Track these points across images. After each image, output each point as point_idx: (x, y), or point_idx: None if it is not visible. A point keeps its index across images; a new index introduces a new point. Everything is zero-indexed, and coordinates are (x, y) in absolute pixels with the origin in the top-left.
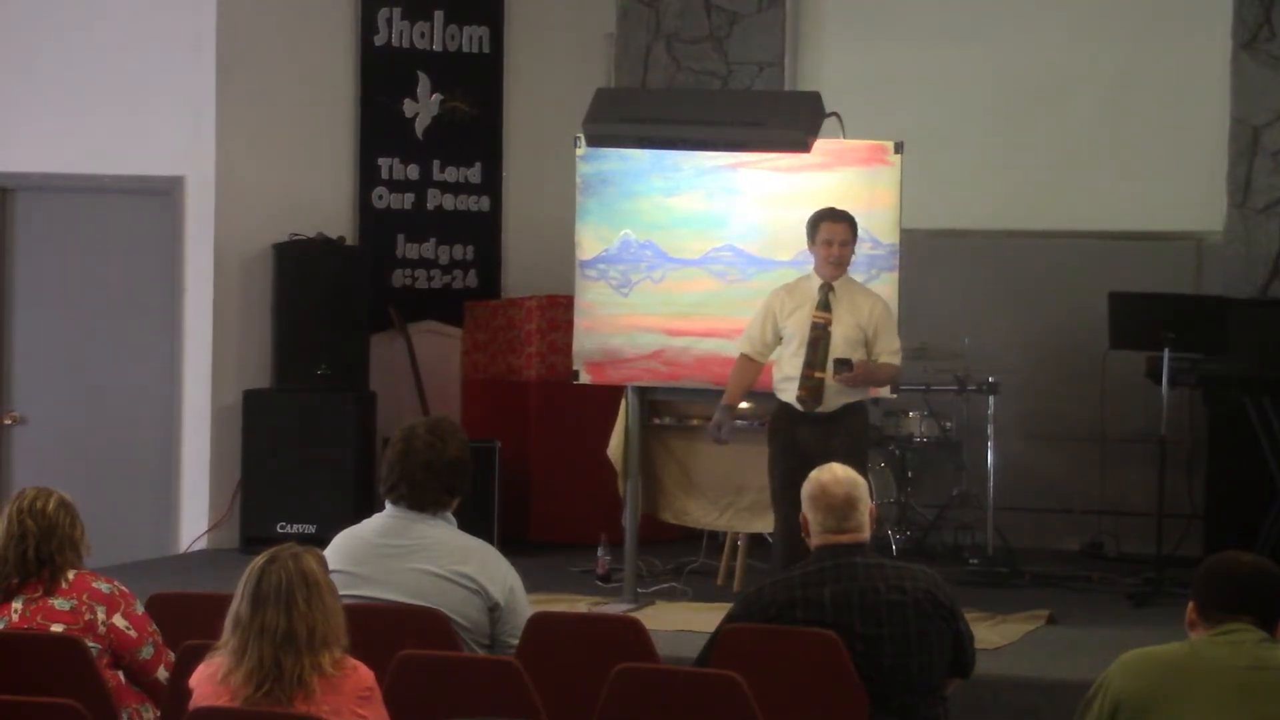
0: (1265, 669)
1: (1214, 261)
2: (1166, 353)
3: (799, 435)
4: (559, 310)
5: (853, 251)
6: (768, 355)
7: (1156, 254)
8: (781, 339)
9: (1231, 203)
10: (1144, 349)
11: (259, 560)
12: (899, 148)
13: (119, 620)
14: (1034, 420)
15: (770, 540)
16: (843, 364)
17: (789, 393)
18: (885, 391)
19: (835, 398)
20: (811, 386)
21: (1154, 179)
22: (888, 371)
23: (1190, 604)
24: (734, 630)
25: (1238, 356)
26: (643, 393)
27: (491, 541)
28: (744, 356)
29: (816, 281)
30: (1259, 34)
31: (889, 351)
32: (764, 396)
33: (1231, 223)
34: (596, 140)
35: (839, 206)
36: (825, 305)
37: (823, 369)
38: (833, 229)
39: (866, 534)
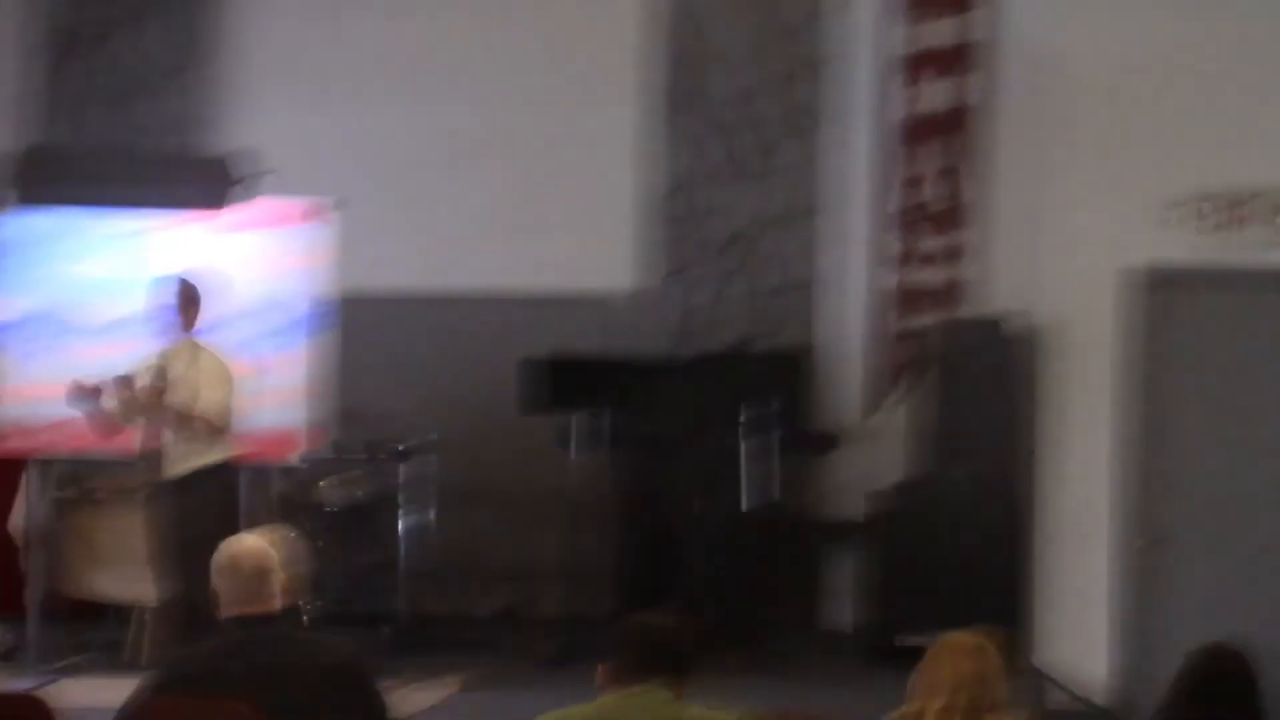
0: None
1: (623, 323)
2: (575, 416)
3: (158, 503)
4: None
5: (186, 312)
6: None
7: (565, 316)
8: None
9: (639, 266)
10: (553, 412)
11: None
12: (329, 207)
13: None
14: (447, 485)
15: None
16: (122, 381)
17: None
18: (298, 459)
19: (180, 463)
20: (149, 455)
21: (565, 241)
22: (194, 422)
23: (601, 666)
24: (145, 703)
25: (645, 417)
26: (46, 464)
27: None
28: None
29: (162, 348)
30: (669, 99)
31: (204, 405)
32: None
33: (640, 284)
34: None
35: (262, 268)
36: (162, 370)
37: (157, 435)
38: (160, 290)
39: (278, 605)
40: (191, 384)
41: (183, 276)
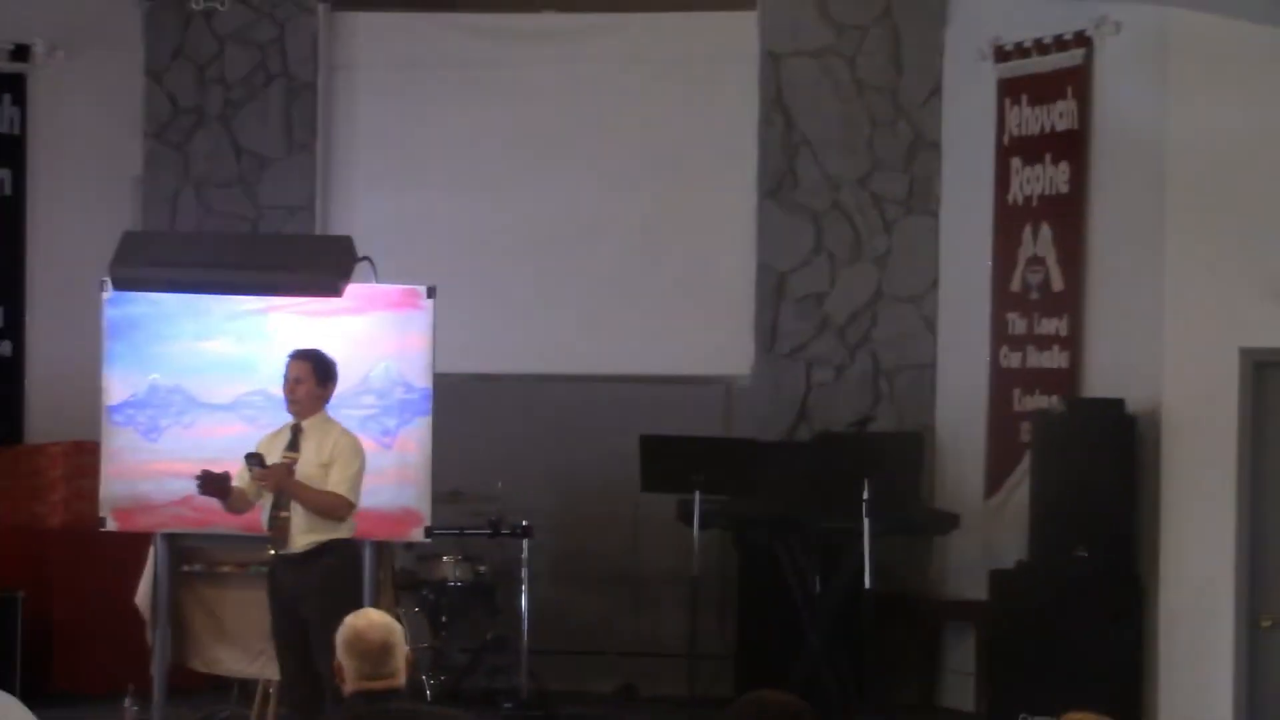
0: None
1: (742, 405)
2: (697, 495)
3: (280, 580)
4: (85, 456)
5: (318, 389)
6: (257, 497)
7: (687, 397)
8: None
9: (759, 347)
10: (675, 491)
11: None
12: (431, 292)
13: None
14: (567, 562)
15: None
16: (253, 459)
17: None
18: (419, 535)
19: (302, 536)
20: (276, 527)
21: (684, 324)
22: (326, 498)
23: None
24: None
25: (765, 498)
26: (172, 539)
27: (14, 693)
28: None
29: (290, 423)
30: (783, 182)
31: (336, 481)
32: None
33: (759, 367)
34: (123, 284)
35: (368, 350)
36: (293, 445)
37: (285, 509)
38: (290, 367)
39: (402, 680)
40: (324, 459)
41: (318, 352)
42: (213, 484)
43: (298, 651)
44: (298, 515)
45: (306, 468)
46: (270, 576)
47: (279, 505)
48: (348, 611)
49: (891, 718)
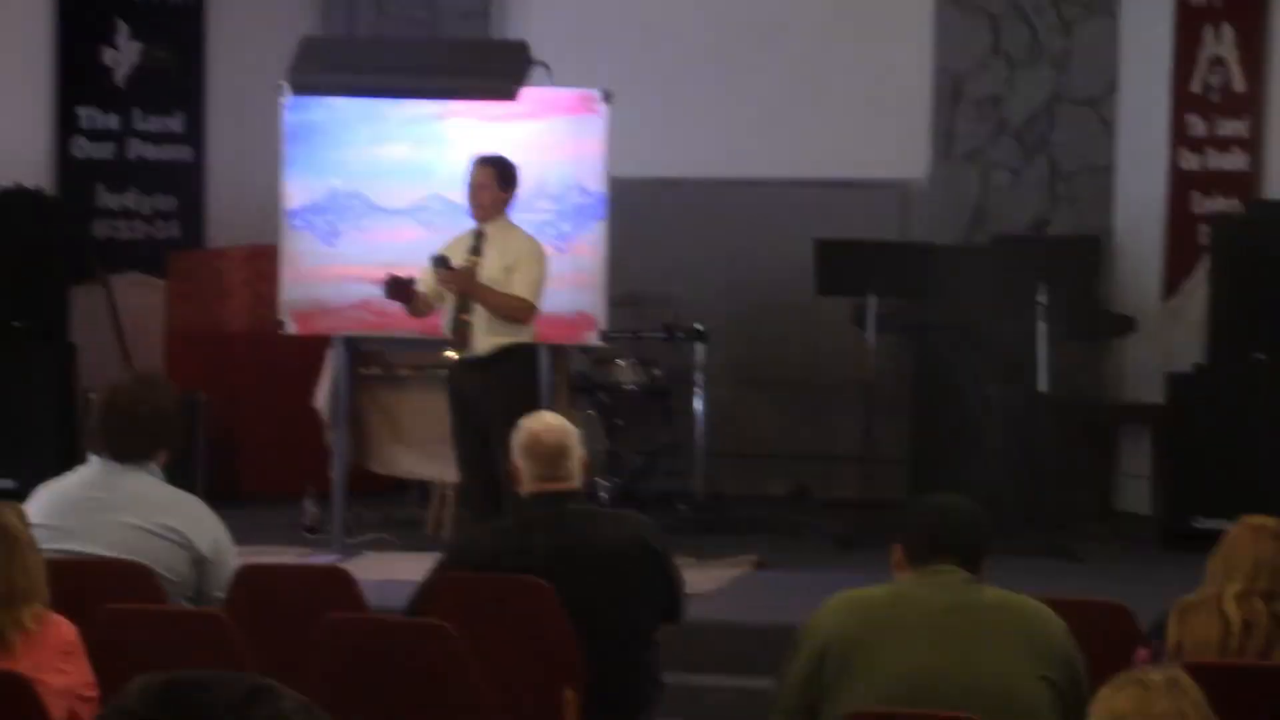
0: (969, 608)
1: (918, 208)
2: (872, 299)
3: (460, 383)
4: (265, 261)
5: (500, 194)
6: (438, 301)
7: (862, 201)
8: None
9: (935, 150)
10: (849, 295)
11: None
12: (607, 96)
13: None
14: (742, 367)
15: None
16: (440, 261)
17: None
18: (594, 339)
19: (484, 339)
20: (459, 330)
21: (859, 127)
22: (509, 301)
23: (896, 547)
24: (444, 579)
25: (941, 302)
26: (350, 343)
27: (196, 494)
28: None
29: (472, 229)
30: None
31: (519, 284)
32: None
33: (935, 170)
34: (302, 89)
35: (543, 155)
36: (475, 250)
37: (468, 312)
38: (474, 173)
39: (577, 482)
40: (507, 263)
41: (500, 157)
42: (398, 288)
43: (476, 453)
44: (480, 319)
45: (490, 271)
46: (450, 379)
47: (462, 309)
48: (526, 414)
49: (1067, 522)
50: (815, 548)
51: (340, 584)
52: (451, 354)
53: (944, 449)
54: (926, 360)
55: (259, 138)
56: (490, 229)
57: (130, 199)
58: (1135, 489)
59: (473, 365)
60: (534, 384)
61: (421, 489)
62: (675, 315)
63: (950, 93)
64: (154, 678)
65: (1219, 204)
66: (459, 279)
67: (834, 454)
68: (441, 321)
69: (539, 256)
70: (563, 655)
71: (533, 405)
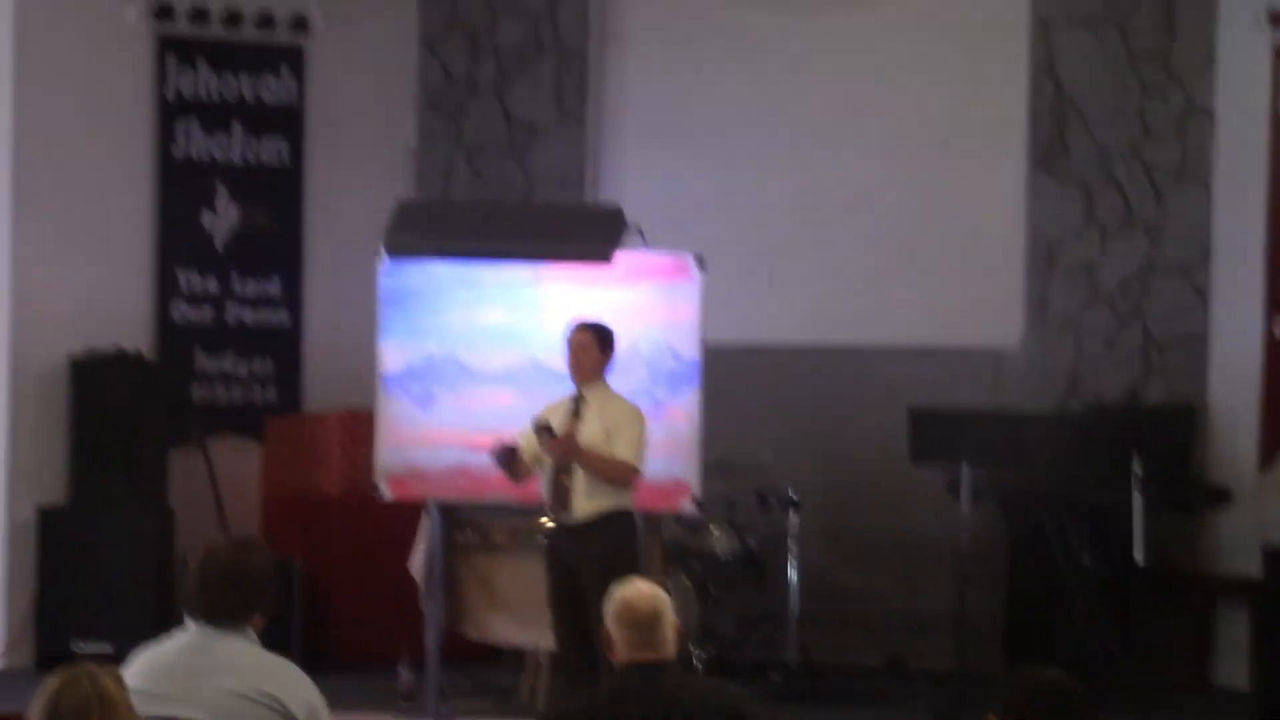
0: None
1: (1012, 376)
2: (965, 467)
3: (560, 548)
4: (361, 425)
5: (599, 358)
6: (536, 467)
7: (955, 368)
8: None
9: (1028, 317)
10: (943, 463)
11: (54, 680)
12: (700, 262)
13: None
14: (836, 534)
15: None
16: (545, 430)
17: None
18: (688, 506)
19: (584, 504)
20: (558, 494)
21: (952, 294)
22: (613, 465)
23: (990, 718)
24: None
25: (1035, 470)
26: (445, 509)
27: (292, 659)
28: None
29: (572, 393)
30: (1053, 150)
31: (623, 449)
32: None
33: (1028, 337)
34: (398, 252)
35: (637, 320)
36: (575, 413)
37: (568, 475)
38: (573, 337)
39: (671, 651)
40: (606, 426)
41: (600, 322)
42: (506, 456)
43: (575, 621)
44: (580, 483)
45: (590, 435)
46: (549, 545)
47: (562, 471)
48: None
49: (1162, 695)
50: (910, 719)
51: None
52: (547, 520)
53: (1039, 619)
54: (1021, 529)
55: (355, 302)
56: (589, 393)
57: (228, 362)
58: (1233, 663)
59: (572, 530)
60: (633, 549)
61: (516, 656)
62: (768, 482)
63: (1044, 260)
64: None
65: None
66: (564, 446)
67: (928, 622)
68: (540, 487)
69: (640, 420)
70: None
71: (632, 571)
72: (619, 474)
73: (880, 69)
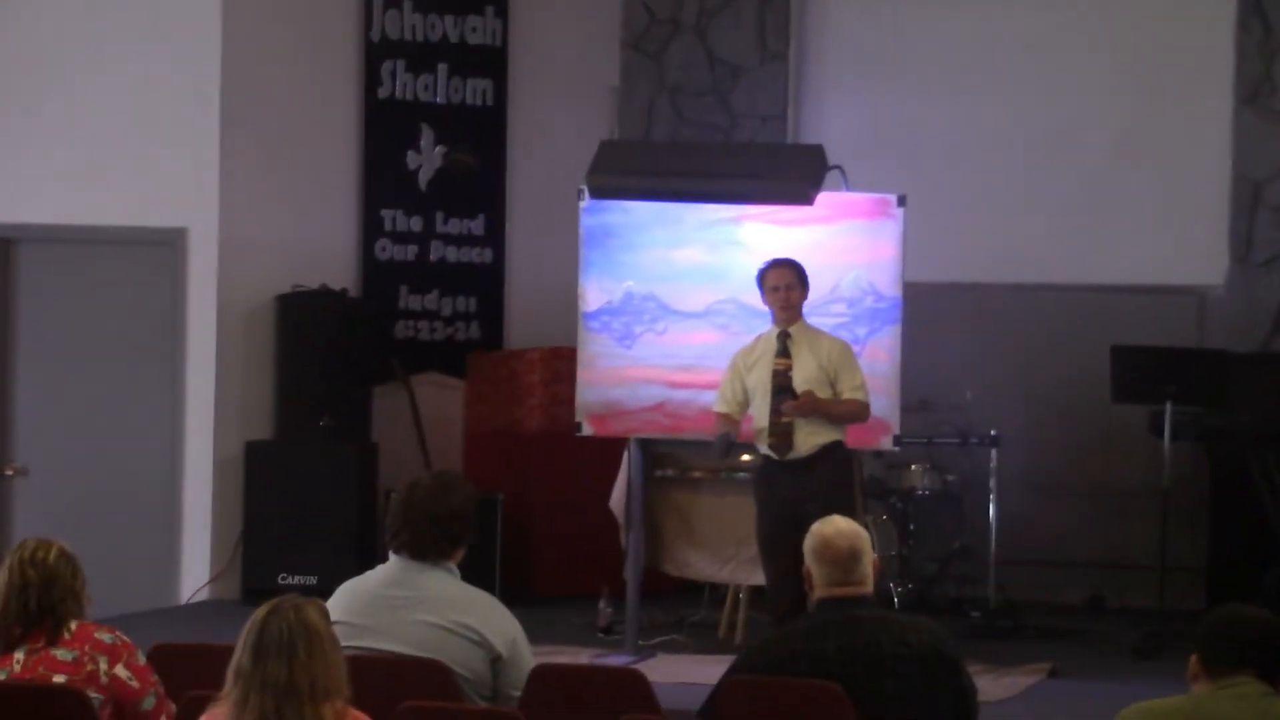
0: None
1: (1216, 315)
2: (1169, 406)
3: (777, 484)
4: (562, 362)
5: (803, 295)
6: (742, 411)
7: (1158, 308)
8: (748, 395)
9: (1233, 256)
10: (1146, 402)
11: (261, 611)
12: (901, 201)
13: (121, 670)
14: (1036, 473)
15: None
16: (784, 392)
17: (764, 443)
18: (888, 444)
19: (807, 440)
20: (780, 432)
21: (1156, 233)
22: (850, 406)
23: (1193, 657)
24: (737, 682)
25: (1239, 410)
26: (645, 445)
27: (493, 593)
28: (721, 414)
29: (775, 331)
30: (1260, 89)
31: (851, 387)
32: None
33: (1233, 277)
34: (600, 192)
35: (838, 259)
36: (784, 352)
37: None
38: (778, 275)
39: (870, 587)
40: (822, 364)
41: (794, 260)
42: (724, 446)
43: (789, 555)
44: (802, 421)
45: (804, 372)
46: (763, 481)
47: (779, 411)
48: (847, 514)
49: None
50: (1110, 657)
51: (634, 685)
52: (747, 456)
53: (1242, 557)
54: (1224, 468)
55: (557, 240)
56: (795, 331)
57: (432, 300)
58: None
59: (793, 466)
60: (851, 482)
61: (714, 591)
62: (968, 420)
63: (1249, 199)
64: None
65: None
66: (807, 404)
67: (1129, 562)
68: (751, 425)
69: (853, 354)
70: None
71: (851, 503)
72: (858, 414)
73: (1084, 6)
